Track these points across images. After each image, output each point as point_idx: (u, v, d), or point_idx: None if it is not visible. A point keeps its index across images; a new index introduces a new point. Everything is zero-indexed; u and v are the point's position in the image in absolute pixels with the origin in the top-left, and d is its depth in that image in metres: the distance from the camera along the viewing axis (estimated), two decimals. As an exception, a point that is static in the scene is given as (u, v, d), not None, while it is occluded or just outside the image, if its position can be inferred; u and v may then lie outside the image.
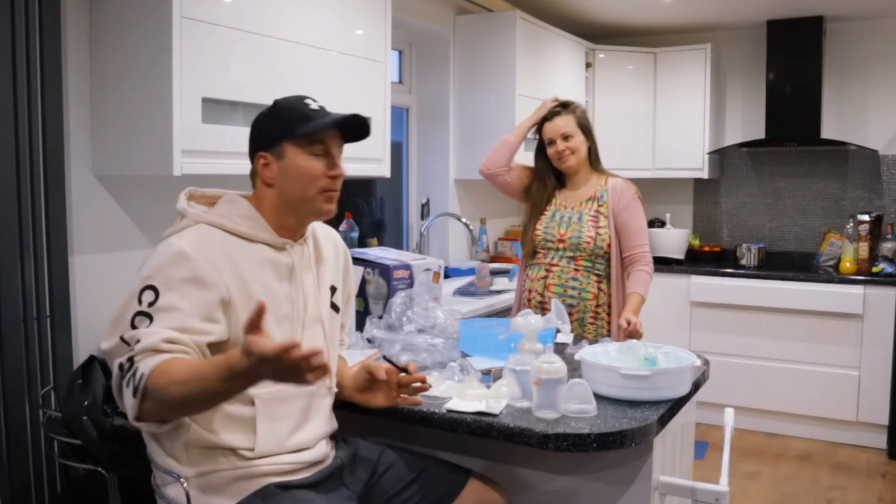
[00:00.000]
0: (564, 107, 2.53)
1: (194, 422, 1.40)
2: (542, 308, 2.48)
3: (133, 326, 1.33)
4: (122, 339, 1.34)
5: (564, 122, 2.48)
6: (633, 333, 2.21)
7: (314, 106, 1.51)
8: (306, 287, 1.57)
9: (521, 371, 1.65)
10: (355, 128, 1.54)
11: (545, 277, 2.50)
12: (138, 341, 1.30)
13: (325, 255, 1.65)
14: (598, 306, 2.49)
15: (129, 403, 1.29)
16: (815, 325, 3.97)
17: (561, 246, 2.49)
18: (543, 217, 2.55)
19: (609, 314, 2.50)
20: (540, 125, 2.56)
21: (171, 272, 1.36)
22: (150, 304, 1.34)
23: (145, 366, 1.27)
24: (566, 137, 2.48)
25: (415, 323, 2.11)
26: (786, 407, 4.07)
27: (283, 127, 1.49)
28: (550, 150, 2.51)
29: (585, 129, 2.52)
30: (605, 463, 1.66)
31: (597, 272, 2.49)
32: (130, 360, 1.29)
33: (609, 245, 2.47)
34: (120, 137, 2.02)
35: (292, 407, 1.50)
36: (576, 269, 2.48)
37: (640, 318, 2.32)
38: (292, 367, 1.12)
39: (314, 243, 1.63)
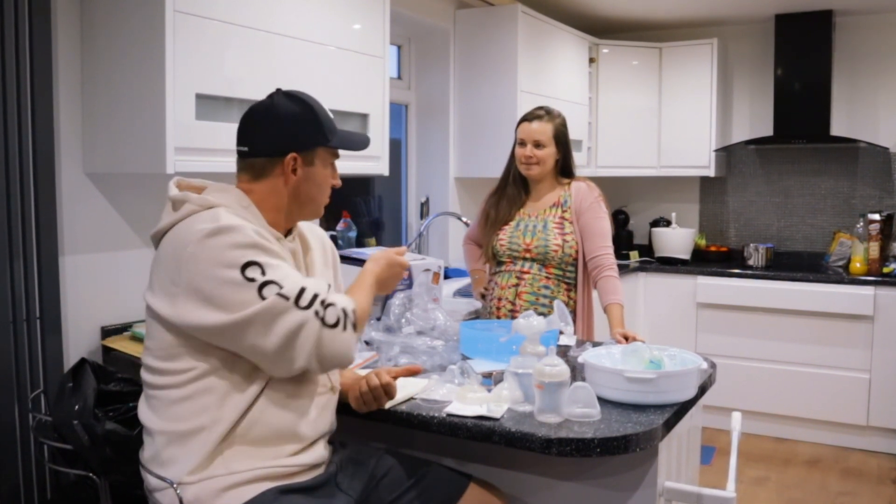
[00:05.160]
0: (547, 112, 2.50)
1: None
2: (513, 317, 2.45)
3: (262, 297, 1.34)
4: (279, 295, 1.34)
5: (540, 129, 2.45)
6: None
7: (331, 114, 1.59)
8: None
9: (523, 374, 1.64)
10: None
11: (517, 285, 2.48)
12: (304, 289, 1.37)
13: (314, 252, 1.67)
14: None
15: (350, 341, 1.40)
16: (824, 326, 3.92)
17: (528, 255, 2.47)
18: (507, 227, 2.52)
19: (574, 321, 2.47)
20: (518, 123, 2.53)
21: (241, 240, 1.37)
22: (263, 273, 1.36)
23: (341, 301, 1.40)
24: (537, 145, 2.45)
25: (414, 325, 2.09)
26: (794, 411, 4.02)
27: (321, 134, 1.53)
28: (518, 150, 2.49)
29: (560, 140, 2.48)
30: (609, 468, 1.64)
31: (567, 280, 2.48)
32: (324, 303, 1.37)
33: (577, 252, 2.45)
34: (111, 135, 2.02)
35: (288, 404, 1.47)
36: (547, 277, 2.46)
37: (627, 327, 2.30)
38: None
39: (301, 240, 1.64)
